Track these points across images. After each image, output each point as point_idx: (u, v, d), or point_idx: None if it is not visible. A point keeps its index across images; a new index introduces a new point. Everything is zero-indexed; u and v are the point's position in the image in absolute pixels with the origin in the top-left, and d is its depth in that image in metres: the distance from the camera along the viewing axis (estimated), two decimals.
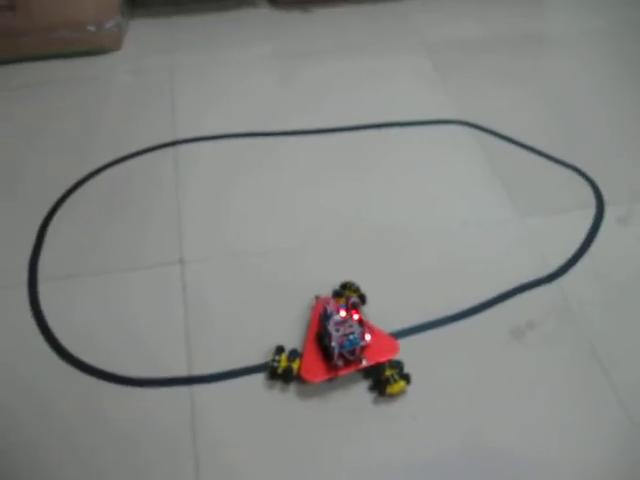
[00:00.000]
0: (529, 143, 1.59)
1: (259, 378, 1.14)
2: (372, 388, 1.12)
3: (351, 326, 1.10)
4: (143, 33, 1.94)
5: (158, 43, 1.92)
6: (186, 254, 1.33)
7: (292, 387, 1.12)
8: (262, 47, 1.89)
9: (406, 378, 1.11)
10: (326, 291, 1.24)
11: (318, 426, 1.08)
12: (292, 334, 1.19)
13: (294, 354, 1.12)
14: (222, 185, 1.49)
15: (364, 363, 1.10)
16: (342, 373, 1.10)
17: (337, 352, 1.07)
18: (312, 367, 1.10)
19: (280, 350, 1.13)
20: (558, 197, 1.47)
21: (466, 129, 1.63)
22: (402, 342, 1.16)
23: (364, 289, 1.23)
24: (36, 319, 1.22)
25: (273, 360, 1.11)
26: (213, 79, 1.78)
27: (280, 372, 1.11)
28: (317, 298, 1.21)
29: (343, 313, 1.12)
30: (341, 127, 1.63)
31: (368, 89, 1.75)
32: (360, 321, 1.11)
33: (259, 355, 1.16)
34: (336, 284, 1.25)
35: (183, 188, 1.47)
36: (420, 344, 1.18)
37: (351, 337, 1.08)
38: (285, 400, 1.11)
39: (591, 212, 1.42)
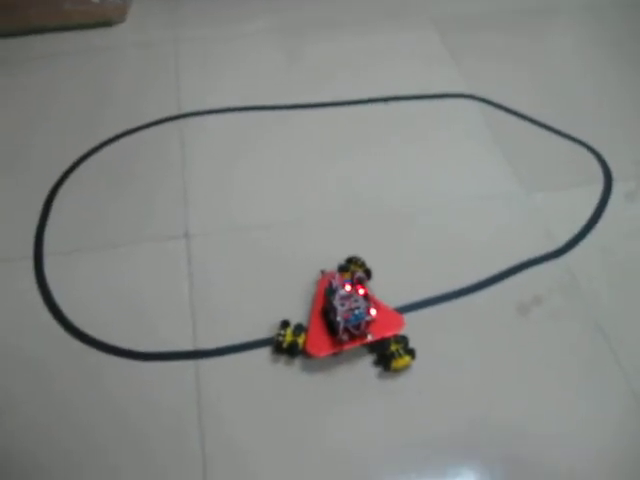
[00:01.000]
0: (537, 118, 1.57)
1: (264, 352, 1.14)
2: (377, 362, 1.12)
3: (356, 301, 1.10)
4: (148, 5, 1.91)
5: (163, 15, 1.89)
6: (191, 228, 1.33)
7: (297, 361, 1.12)
8: (268, 21, 1.87)
9: (411, 353, 1.11)
10: (331, 266, 1.24)
11: (323, 400, 1.08)
12: (297, 308, 1.19)
13: (299, 328, 1.12)
14: (228, 159, 1.48)
15: (369, 338, 1.10)
16: (347, 347, 1.10)
17: (342, 326, 1.07)
18: (317, 341, 1.11)
19: (285, 324, 1.13)
20: (565, 172, 1.46)
21: (474, 103, 1.61)
22: (407, 317, 1.16)
23: (369, 264, 1.23)
24: (41, 292, 1.22)
25: (278, 334, 1.11)
26: (218, 52, 1.76)
27: (285, 346, 1.11)
28: (323, 273, 1.21)
29: (348, 288, 1.11)
30: (347, 101, 1.61)
31: (375, 64, 1.73)
32: (366, 296, 1.11)
33: (264, 329, 1.16)
34: (341, 259, 1.24)
35: (189, 161, 1.46)
36: (425, 319, 1.18)
37: (356, 312, 1.08)
38: (290, 374, 1.11)
39: (599, 187, 1.41)
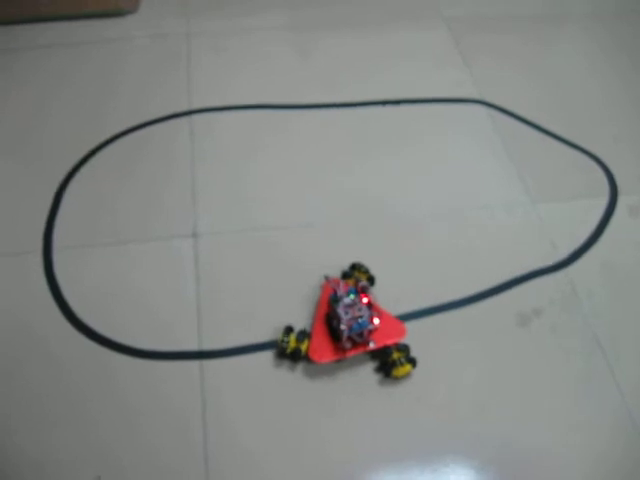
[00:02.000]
0: (547, 126, 1.58)
1: (268, 355, 1.16)
2: (378, 369, 1.14)
3: (360, 309, 1.11)
4: None
5: (176, 6, 1.89)
6: (199, 227, 1.34)
7: (300, 365, 1.14)
8: (282, 16, 1.86)
9: (412, 362, 1.13)
10: (336, 270, 1.25)
11: (325, 404, 1.11)
12: (302, 312, 1.21)
13: (303, 334, 1.14)
14: (238, 157, 1.48)
15: (371, 346, 1.12)
16: (349, 355, 1.12)
17: (346, 335, 1.09)
18: (320, 348, 1.12)
19: (289, 330, 1.15)
20: (572, 183, 1.47)
21: (483, 109, 1.62)
22: (409, 325, 1.18)
23: (374, 271, 1.24)
24: (50, 287, 1.24)
25: (282, 340, 1.13)
26: (231, 47, 1.76)
27: (289, 352, 1.13)
28: (327, 279, 1.22)
29: (352, 296, 1.13)
30: (358, 102, 1.62)
31: (387, 64, 1.73)
32: (369, 304, 1.13)
33: (269, 332, 1.18)
34: (347, 264, 1.26)
35: (198, 159, 1.47)
36: (427, 327, 1.20)
37: (360, 320, 1.10)
38: (293, 378, 1.13)
39: (604, 200, 1.43)
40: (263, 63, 1.72)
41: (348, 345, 1.11)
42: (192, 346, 1.17)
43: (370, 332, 1.11)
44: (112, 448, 1.05)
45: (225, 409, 1.10)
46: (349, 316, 1.10)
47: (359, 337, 1.11)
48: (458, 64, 1.74)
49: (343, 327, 1.08)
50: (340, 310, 1.11)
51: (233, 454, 1.05)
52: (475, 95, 1.66)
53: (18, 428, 1.07)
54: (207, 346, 1.17)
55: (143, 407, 1.10)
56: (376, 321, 1.11)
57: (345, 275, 1.24)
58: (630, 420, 1.10)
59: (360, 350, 1.12)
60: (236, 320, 1.20)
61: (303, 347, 1.12)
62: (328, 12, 1.88)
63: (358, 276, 1.23)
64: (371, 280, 1.24)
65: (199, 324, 1.19)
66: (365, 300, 1.13)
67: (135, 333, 1.18)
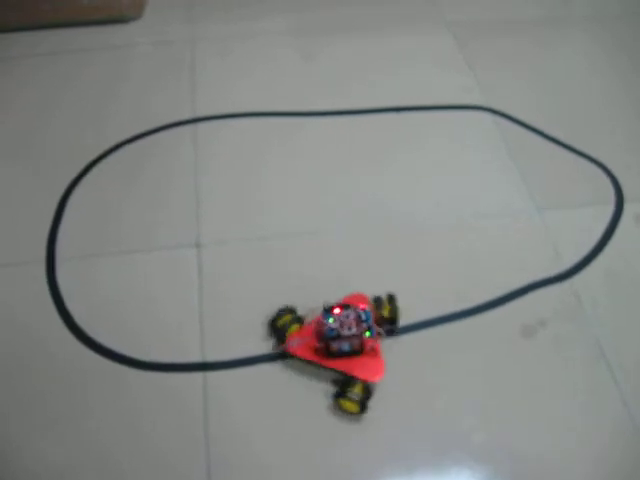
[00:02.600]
0: (552, 133, 1.56)
1: (272, 367, 1.15)
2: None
3: (347, 316, 1.10)
4: (165, 1, 1.91)
5: (179, 12, 1.89)
6: (203, 237, 1.33)
7: (307, 374, 1.13)
8: (287, 20, 1.85)
9: (393, 300, 1.19)
10: (336, 276, 1.26)
11: (329, 413, 1.09)
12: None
13: (354, 382, 1.09)
14: (242, 165, 1.48)
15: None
16: (379, 347, 1.12)
17: (373, 336, 1.09)
18: (367, 370, 1.10)
19: (343, 393, 1.08)
20: (578, 191, 1.45)
21: (488, 115, 1.61)
22: (412, 336, 1.18)
23: (376, 281, 1.23)
24: (53, 297, 1.24)
25: (357, 401, 1.08)
26: (235, 53, 1.75)
27: (363, 400, 1.08)
28: (286, 343, 1.15)
29: (331, 319, 1.10)
30: (360, 110, 1.60)
31: (391, 70, 1.72)
32: (343, 305, 1.12)
33: (273, 343, 1.17)
34: (352, 274, 1.25)
35: (203, 167, 1.46)
36: (430, 338, 1.19)
37: (363, 317, 1.10)
38: (296, 388, 1.12)
39: (610, 208, 1.41)
40: (267, 68, 1.72)
41: (371, 344, 1.10)
42: (196, 357, 1.16)
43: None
44: (114, 455, 1.05)
45: (228, 420, 1.09)
46: (354, 330, 1.08)
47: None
48: (463, 69, 1.73)
49: (366, 335, 1.08)
50: (346, 333, 1.08)
51: (236, 465, 1.05)
52: (481, 101, 1.64)
53: (18, 436, 1.07)
54: (211, 357, 1.16)
55: (145, 417, 1.09)
56: (368, 308, 1.12)
57: (279, 331, 1.17)
58: (634, 429, 1.09)
59: (377, 337, 1.12)
60: (240, 331, 1.19)
61: (360, 393, 1.08)
62: (333, 17, 1.88)
63: (285, 321, 1.18)
64: (300, 320, 1.19)
65: (202, 335, 1.19)
66: (337, 311, 1.12)
67: (138, 344, 1.17)
